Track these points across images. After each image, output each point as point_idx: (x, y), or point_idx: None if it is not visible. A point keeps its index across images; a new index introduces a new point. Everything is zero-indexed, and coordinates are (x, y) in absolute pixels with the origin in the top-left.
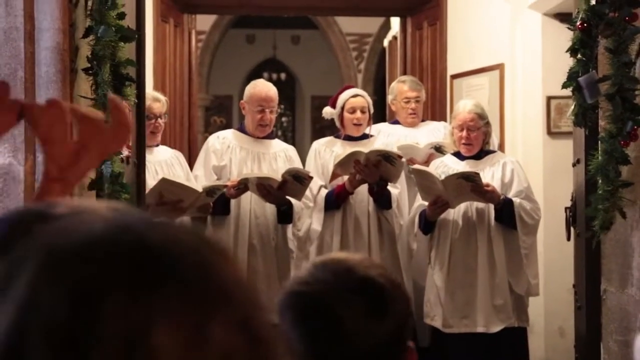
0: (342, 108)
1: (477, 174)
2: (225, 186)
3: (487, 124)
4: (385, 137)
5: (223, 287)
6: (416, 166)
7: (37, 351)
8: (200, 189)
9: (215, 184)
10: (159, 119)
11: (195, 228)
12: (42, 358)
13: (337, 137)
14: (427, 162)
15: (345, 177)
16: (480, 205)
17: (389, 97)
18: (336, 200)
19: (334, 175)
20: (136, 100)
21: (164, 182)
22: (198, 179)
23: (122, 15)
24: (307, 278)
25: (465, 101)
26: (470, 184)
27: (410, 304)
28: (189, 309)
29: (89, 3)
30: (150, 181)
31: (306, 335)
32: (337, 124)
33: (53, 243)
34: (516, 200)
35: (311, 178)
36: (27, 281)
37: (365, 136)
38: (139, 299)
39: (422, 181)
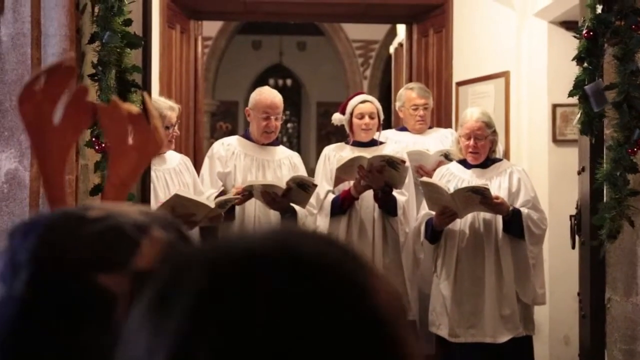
0: (351, 114)
1: (487, 189)
2: (237, 198)
3: (494, 132)
4: (393, 144)
5: (373, 308)
6: (424, 178)
7: None
8: (212, 204)
9: (227, 198)
10: (175, 127)
11: (342, 242)
12: None
13: (347, 142)
14: (436, 170)
15: (352, 182)
16: (488, 215)
17: (397, 104)
18: (342, 205)
19: (338, 180)
20: (142, 107)
21: (177, 198)
22: (204, 182)
23: (128, 22)
24: None
25: (473, 109)
26: (479, 197)
27: (406, 316)
28: (339, 326)
29: (96, 9)
30: (160, 191)
31: None
32: (347, 129)
33: (213, 264)
34: (524, 210)
35: (315, 186)
36: (188, 307)
37: (374, 142)
38: (290, 315)
39: (431, 193)
